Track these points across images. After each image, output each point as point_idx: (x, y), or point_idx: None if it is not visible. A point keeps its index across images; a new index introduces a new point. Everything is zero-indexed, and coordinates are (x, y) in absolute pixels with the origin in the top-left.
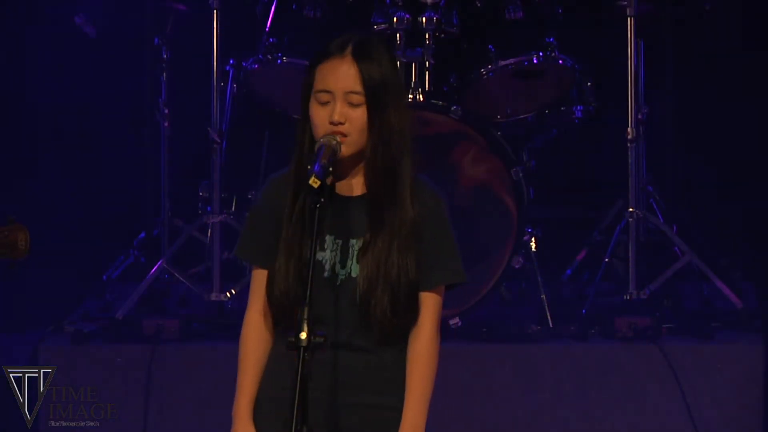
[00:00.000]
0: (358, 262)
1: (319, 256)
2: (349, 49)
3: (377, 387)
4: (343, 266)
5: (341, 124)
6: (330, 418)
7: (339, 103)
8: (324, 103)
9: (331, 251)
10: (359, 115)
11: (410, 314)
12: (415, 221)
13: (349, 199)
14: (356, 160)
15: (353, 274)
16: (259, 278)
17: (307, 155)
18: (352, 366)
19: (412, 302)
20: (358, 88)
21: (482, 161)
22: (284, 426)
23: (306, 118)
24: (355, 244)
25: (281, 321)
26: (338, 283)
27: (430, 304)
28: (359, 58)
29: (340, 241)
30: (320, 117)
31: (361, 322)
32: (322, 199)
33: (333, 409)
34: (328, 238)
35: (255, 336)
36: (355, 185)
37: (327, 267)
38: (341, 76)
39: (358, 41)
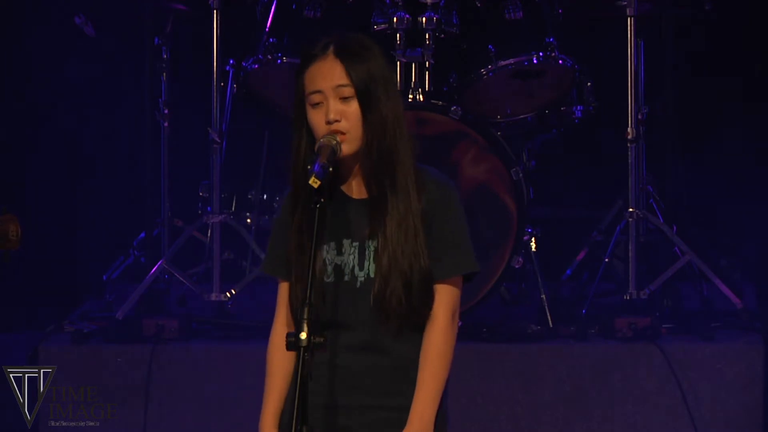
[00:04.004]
0: (374, 261)
1: (338, 260)
2: (331, 49)
3: (402, 388)
4: (362, 268)
5: (337, 121)
6: (355, 421)
7: (331, 100)
8: (317, 105)
9: (349, 254)
10: (354, 110)
11: (425, 303)
12: (422, 211)
13: (363, 202)
14: (356, 161)
15: (372, 275)
16: (283, 291)
17: (305, 161)
18: (377, 367)
19: (426, 291)
20: (345, 80)
21: (482, 161)
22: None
23: (300, 125)
24: (371, 245)
25: None
26: (358, 285)
27: (443, 295)
28: (341, 54)
29: (357, 244)
30: (317, 120)
31: (383, 322)
32: (323, 199)
33: (359, 412)
34: (345, 242)
35: (281, 348)
36: (366, 187)
37: (347, 271)
38: (327, 73)
39: (339, 39)
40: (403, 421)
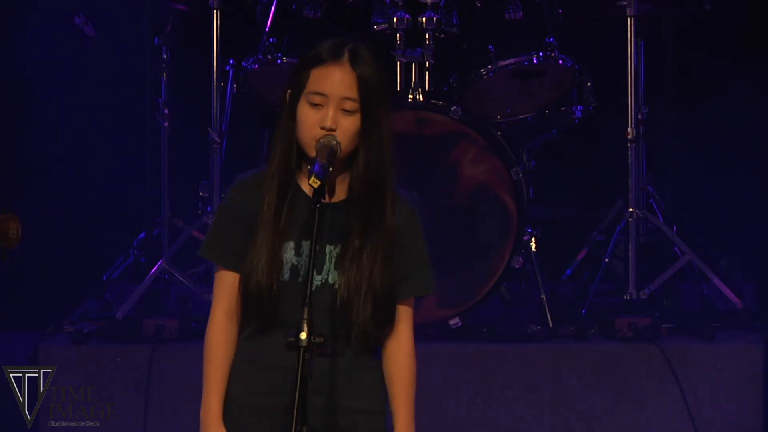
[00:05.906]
0: (336, 268)
1: (295, 261)
2: (346, 56)
3: (350, 390)
4: (319, 272)
5: (333, 130)
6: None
7: (332, 109)
8: (316, 105)
9: (307, 256)
10: (351, 122)
11: (390, 323)
12: (394, 231)
13: (328, 206)
14: (339, 166)
15: (330, 281)
16: (225, 279)
17: (295, 154)
18: (325, 370)
19: (392, 311)
20: (354, 94)
21: (482, 161)
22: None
23: (291, 117)
24: (333, 250)
25: (253, 321)
26: (313, 288)
27: (405, 313)
28: (356, 65)
29: (316, 247)
30: (310, 119)
31: (338, 328)
32: (322, 199)
33: (308, 413)
34: (305, 244)
35: (222, 338)
36: (334, 191)
37: (302, 272)
38: (338, 82)
39: (353, 48)
40: (351, 423)
